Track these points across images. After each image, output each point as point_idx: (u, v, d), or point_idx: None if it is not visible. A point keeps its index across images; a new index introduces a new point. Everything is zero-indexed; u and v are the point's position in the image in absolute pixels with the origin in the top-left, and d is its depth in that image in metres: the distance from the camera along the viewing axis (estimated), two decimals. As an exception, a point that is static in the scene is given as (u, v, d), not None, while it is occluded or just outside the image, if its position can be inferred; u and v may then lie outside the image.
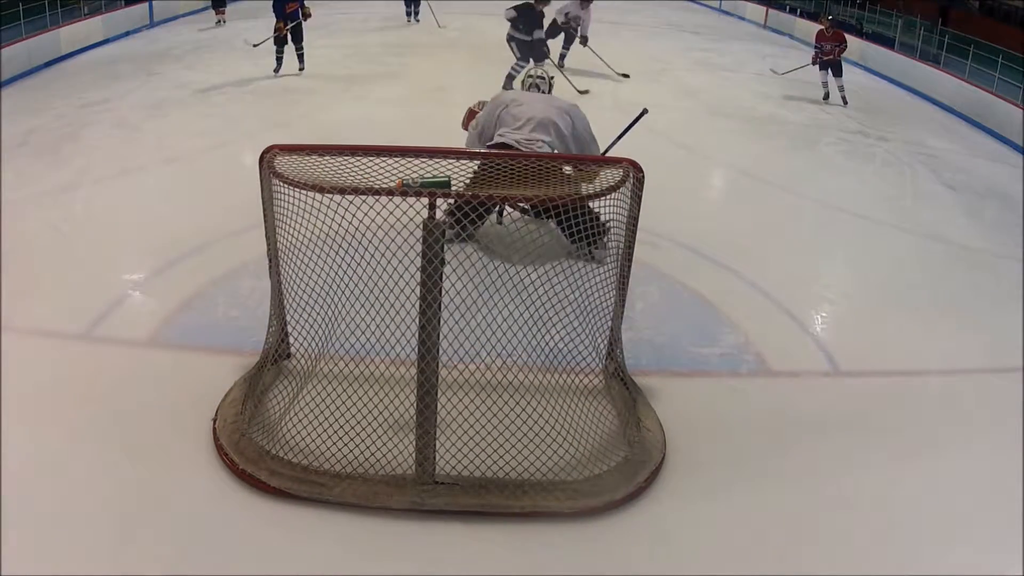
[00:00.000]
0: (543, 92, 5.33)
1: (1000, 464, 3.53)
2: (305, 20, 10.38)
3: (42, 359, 3.91)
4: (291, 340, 3.76)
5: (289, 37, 10.32)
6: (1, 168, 6.37)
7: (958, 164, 8.62)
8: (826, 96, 11.07)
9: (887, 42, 14.28)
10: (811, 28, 16.22)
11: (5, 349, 3.85)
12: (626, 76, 10.96)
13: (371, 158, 3.28)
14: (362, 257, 3.15)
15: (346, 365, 3.49)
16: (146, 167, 6.80)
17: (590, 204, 3.75)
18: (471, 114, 5.70)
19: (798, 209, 6.65)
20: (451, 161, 3.33)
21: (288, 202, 3.27)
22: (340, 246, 3.14)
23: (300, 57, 10.53)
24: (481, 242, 4.57)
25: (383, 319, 3.30)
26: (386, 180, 3.15)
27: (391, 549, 2.90)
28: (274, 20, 10.24)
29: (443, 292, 2.98)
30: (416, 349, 3.00)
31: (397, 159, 3.28)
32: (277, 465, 3.15)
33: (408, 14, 15.35)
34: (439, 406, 3.07)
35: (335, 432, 3.16)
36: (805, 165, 7.92)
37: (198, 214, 5.59)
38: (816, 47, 11.00)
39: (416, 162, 3.25)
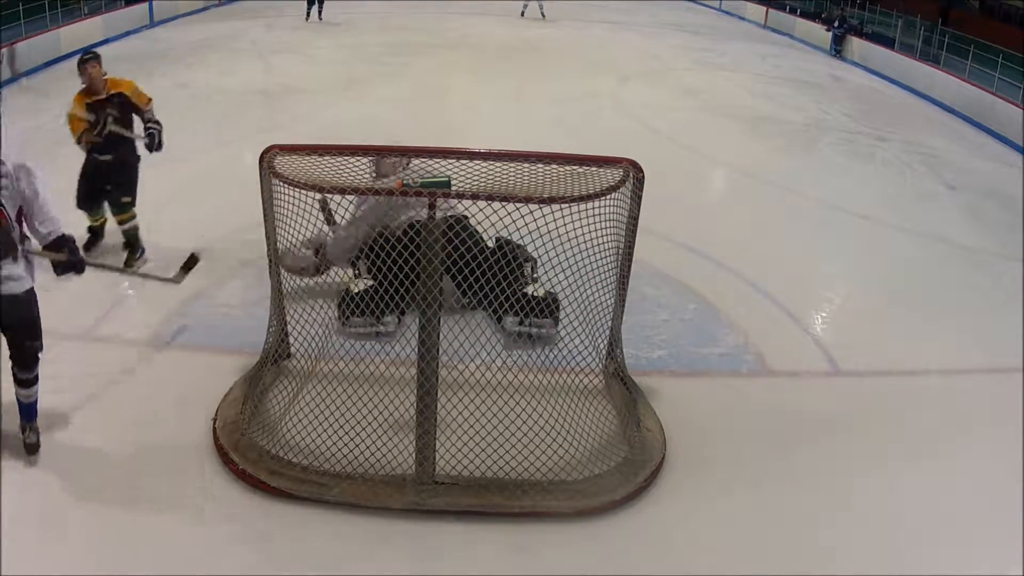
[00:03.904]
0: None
1: (1000, 464, 3.52)
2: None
3: (42, 359, 3.90)
4: (291, 340, 3.76)
5: None
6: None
7: (958, 164, 8.62)
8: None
9: (887, 42, 14.26)
10: (811, 28, 16.29)
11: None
12: None
13: (371, 158, 3.28)
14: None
15: (346, 365, 3.49)
16: (146, 167, 6.78)
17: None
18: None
19: (798, 209, 6.64)
20: (451, 161, 3.33)
21: (288, 202, 3.28)
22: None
23: None
24: None
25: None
26: (386, 180, 3.16)
27: (391, 549, 2.90)
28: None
29: (443, 292, 2.98)
30: (416, 349, 3.00)
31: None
32: (277, 465, 3.15)
33: None
34: (439, 406, 3.07)
35: (335, 432, 3.16)
36: (805, 165, 7.92)
37: (198, 214, 5.59)
38: None
39: (416, 162, 3.25)
